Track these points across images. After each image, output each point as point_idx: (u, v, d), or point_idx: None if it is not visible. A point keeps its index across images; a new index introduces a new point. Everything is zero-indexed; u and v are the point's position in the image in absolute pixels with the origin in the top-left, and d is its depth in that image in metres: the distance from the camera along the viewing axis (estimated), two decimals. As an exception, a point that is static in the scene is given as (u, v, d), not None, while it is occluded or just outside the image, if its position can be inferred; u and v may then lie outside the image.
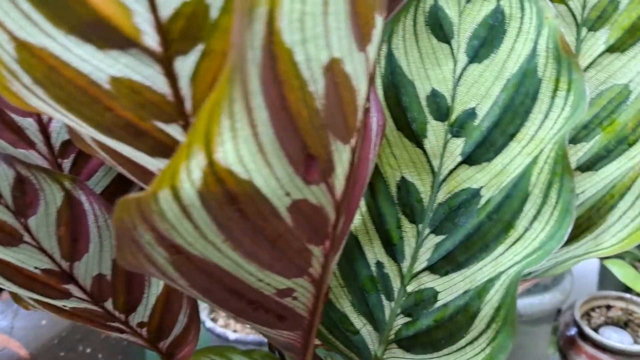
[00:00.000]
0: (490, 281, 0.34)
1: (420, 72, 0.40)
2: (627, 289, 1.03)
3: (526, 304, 0.80)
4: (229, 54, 0.21)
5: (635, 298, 0.94)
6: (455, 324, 0.35)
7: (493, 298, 0.32)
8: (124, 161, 0.29)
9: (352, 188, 0.36)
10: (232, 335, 0.93)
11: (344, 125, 0.30)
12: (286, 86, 0.25)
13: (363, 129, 0.38)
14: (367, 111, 0.40)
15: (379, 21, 0.29)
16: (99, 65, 0.24)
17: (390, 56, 0.40)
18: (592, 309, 0.96)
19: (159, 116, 0.26)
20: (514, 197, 0.35)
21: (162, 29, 0.23)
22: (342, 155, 0.31)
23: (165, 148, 0.27)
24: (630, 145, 0.38)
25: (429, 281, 0.40)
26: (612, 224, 0.35)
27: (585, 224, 0.38)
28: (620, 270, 0.93)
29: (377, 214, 0.43)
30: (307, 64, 0.25)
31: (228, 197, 0.26)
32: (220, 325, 0.96)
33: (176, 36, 0.24)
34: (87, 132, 0.27)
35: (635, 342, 0.90)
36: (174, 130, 0.27)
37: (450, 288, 0.38)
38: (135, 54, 0.24)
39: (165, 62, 0.24)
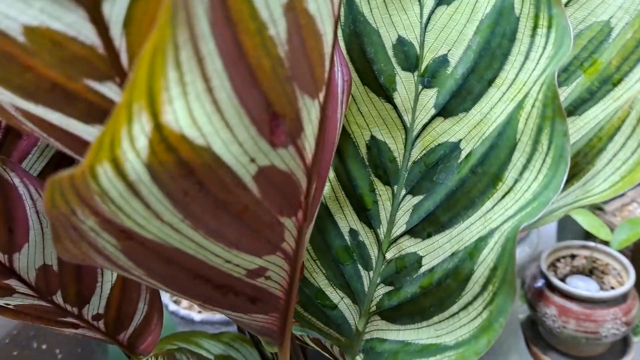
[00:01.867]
0: (482, 239, 0.31)
1: (385, 19, 0.36)
2: (586, 237, 1.03)
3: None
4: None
5: (598, 246, 0.95)
6: (445, 289, 0.33)
7: (487, 258, 0.30)
8: (55, 132, 0.24)
9: (321, 150, 0.33)
10: (197, 317, 0.89)
11: (311, 76, 0.26)
12: (241, 29, 0.21)
13: (329, 84, 0.34)
14: (332, 64, 0.36)
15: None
16: (7, 11, 0.19)
17: (350, 2, 0.36)
18: (558, 260, 0.97)
19: (90, 73, 0.22)
20: (500, 147, 0.32)
21: (82, -38, 0.19)
22: (310, 113, 0.27)
23: (101, 112, 0.23)
24: (615, 84, 0.35)
25: (410, 246, 0.37)
26: (601, 169, 0.33)
27: (572, 170, 0.36)
28: (585, 219, 0.93)
29: (347, 179, 0.39)
30: (264, 1, 0.21)
31: (183, 168, 0.22)
32: (184, 307, 0.92)
33: (102, -28, 0.20)
34: (7, 98, 0.22)
35: (601, 288, 0.91)
36: (110, 90, 0.22)
37: (436, 251, 0.35)
38: (52, -3, 0.19)
39: (91, 5, 0.20)
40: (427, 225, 0.36)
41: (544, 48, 0.32)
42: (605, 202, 1.08)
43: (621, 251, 0.99)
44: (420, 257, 0.36)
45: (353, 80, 0.38)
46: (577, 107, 0.37)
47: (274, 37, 0.22)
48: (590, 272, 0.94)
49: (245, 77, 0.22)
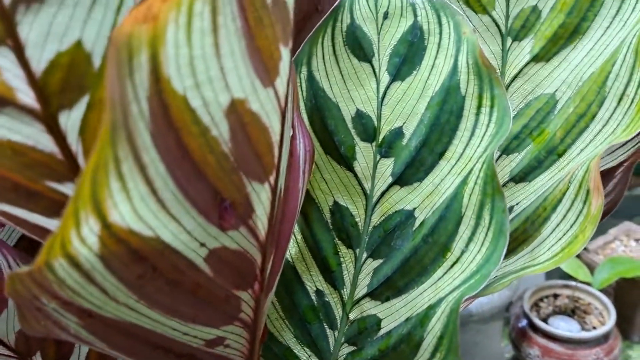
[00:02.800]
0: (431, 308, 0.33)
1: (344, 94, 0.39)
2: (571, 276, 1.05)
3: (476, 303, 0.80)
4: (106, 113, 0.19)
5: (580, 285, 0.96)
6: (400, 354, 0.34)
7: (435, 327, 0.31)
8: (20, 223, 0.26)
9: (280, 223, 0.34)
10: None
11: (258, 164, 0.28)
12: (185, 134, 0.23)
13: (289, 159, 0.36)
14: (292, 138, 0.38)
15: (284, 52, 0.27)
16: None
17: (311, 79, 0.39)
18: (541, 299, 0.98)
19: (50, 176, 0.24)
20: (448, 218, 0.34)
21: (36, 83, 0.21)
22: (260, 195, 0.29)
23: (63, 208, 0.25)
24: (560, 155, 0.37)
25: (370, 307, 0.39)
26: (546, 237, 0.35)
27: (522, 236, 0.38)
28: (566, 260, 0.94)
29: (313, 241, 0.41)
30: (205, 108, 0.23)
31: (134, 255, 0.24)
32: None
33: (55, 90, 0.22)
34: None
35: (583, 328, 0.92)
36: (69, 190, 0.24)
37: (393, 315, 0.37)
38: (11, 113, 0.21)
39: (47, 119, 0.22)
40: (385, 289, 0.38)
41: (487, 126, 0.34)
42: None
43: (604, 290, 1.01)
44: (380, 320, 0.38)
45: (316, 149, 0.41)
46: (527, 174, 0.40)
47: (217, 137, 0.24)
48: (572, 311, 0.95)
49: (191, 173, 0.24)
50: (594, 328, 0.91)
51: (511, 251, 0.39)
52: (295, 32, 0.50)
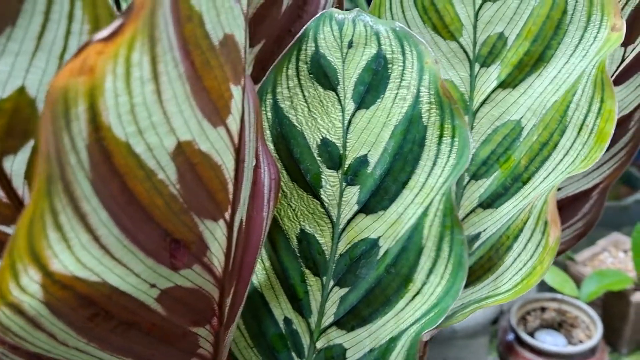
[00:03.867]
0: (393, 340, 0.33)
1: (309, 122, 0.39)
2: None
3: (460, 319, 0.80)
4: (40, 165, 0.19)
5: (567, 298, 0.96)
6: (362, 386, 0.34)
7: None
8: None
9: (242, 254, 0.34)
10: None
11: (211, 202, 0.28)
12: (130, 179, 0.23)
13: (253, 188, 0.36)
14: (256, 167, 0.38)
15: (236, 91, 0.27)
16: None
17: (276, 107, 0.39)
18: (528, 313, 0.98)
19: (-4, 220, 0.24)
20: (410, 249, 0.34)
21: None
22: (215, 232, 0.29)
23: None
24: (524, 183, 0.37)
25: (337, 337, 0.39)
26: (509, 266, 0.35)
27: (487, 264, 0.38)
28: (549, 274, 0.94)
29: (280, 269, 0.41)
30: (149, 153, 0.23)
31: (82, 300, 0.24)
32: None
33: (-2, 136, 0.22)
34: None
35: (570, 342, 0.92)
36: (14, 233, 0.24)
37: (358, 345, 0.37)
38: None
39: (-11, 166, 0.22)
40: (351, 318, 0.38)
41: (449, 156, 0.34)
42: (576, 252, 1.10)
43: (592, 302, 1.00)
44: (345, 350, 0.38)
45: (282, 177, 0.41)
46: (494, 200, 0.39)
47: (164, 179, 0.24)
48: (559, 325, 0.95)
49: (138, 217, 0.24)
50: (581, 342, 0.91)
51: (477, 279, 0.39)
52: (268, 55, 0.50)
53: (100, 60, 0.20)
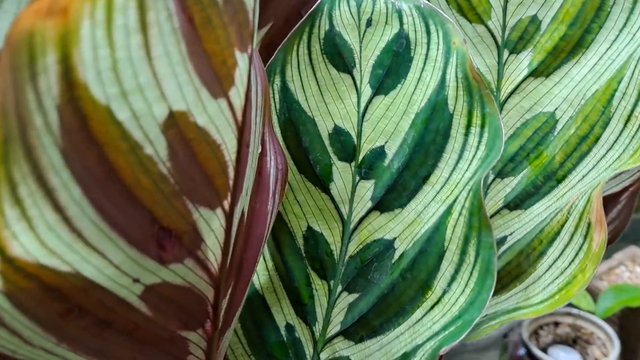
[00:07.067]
0: (406, 356, 0.29)
1: (321, 107, 0.35)
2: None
3: (471, 332, 0.76)
4: (-6, 125, 0.15)
5: (582, 313, 0.91)
6: (370, 405, 0.30)
7: (408, 380, 0.27)
8: None
9: (241, 253, 0.31)
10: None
11: (208, 187, 0.24)
12: (110, 150, 0.19)
13: (257, 178, 0.33)
14: (262, 155, 0.34)
15: (241, 59, 0.23)
16: None
17: (285, 90, 0.35)
18: (541, 327, 0.93)
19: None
20: (429, 253, 0.30)
21: None
22: (211, 223, 0.25)
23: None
24: (559, 181, 0.33)
25: (343, 348, 0.35)
26: (542, 274, 0.31)
27: (515, 271, 0.34)
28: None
29: (284, 270, 0.37)
30: (135, 121, 0.19)
31: (50, 293, 0.20)
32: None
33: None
34: None
35: (585, 359, 0.87)
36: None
37: (366, 359, 0.33)
38: None
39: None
40: (360, 328, 0.34)
41: (477, 148, 0.30)
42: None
43: (608, 319, 0.96)
44: (353, 362, 0.34)
45: (290, 168, 0.37)
46: (523, 201, 0.36)
47: (152, 155, 0.20)
48: (574, 341, 0.90)
49: (119, 197, 0.20)
50: None
51: (503, 287, 0.35)
52: (276, 39, 0.46)
53: (75, 0, 0.16)
